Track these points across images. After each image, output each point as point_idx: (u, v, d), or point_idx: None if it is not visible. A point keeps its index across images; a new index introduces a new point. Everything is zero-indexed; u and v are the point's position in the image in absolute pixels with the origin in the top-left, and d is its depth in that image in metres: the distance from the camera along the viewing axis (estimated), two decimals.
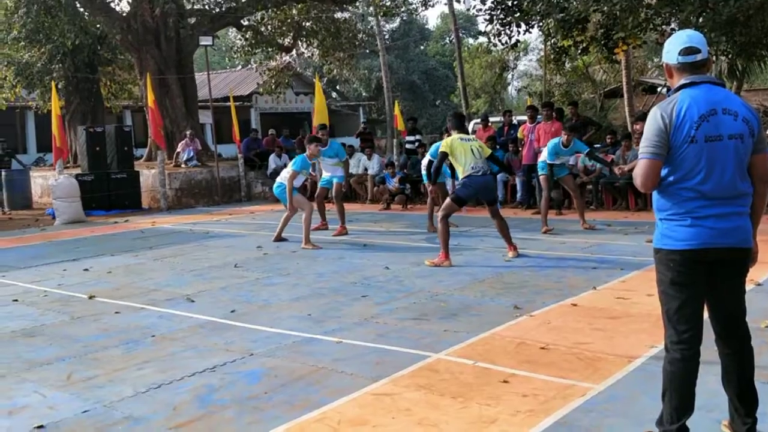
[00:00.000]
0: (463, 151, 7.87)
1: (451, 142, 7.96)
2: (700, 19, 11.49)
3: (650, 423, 3.20)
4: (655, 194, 3.08)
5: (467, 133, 8.32)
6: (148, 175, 16.55)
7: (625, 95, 17.89)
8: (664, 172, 2.99)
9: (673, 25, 12.72)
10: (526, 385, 4.01)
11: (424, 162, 10.48)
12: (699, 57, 3.00)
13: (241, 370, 4.50)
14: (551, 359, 4.45)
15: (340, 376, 4.31)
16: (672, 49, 3.05)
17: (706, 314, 3.06)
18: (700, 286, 3.00)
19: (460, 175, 7.91)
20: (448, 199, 8.02)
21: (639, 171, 3.00)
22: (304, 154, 9.66)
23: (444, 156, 8.00)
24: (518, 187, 13.12)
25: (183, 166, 17.40)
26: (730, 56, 14.26)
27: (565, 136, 9.61)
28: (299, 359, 4.66)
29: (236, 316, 5.88)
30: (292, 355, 4.75)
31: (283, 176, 9.64)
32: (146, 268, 8.43)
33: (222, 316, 5.89)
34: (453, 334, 5.06)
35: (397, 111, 17.90)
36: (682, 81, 3.01)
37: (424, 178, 10.72)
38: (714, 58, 15.77)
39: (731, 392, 3.10)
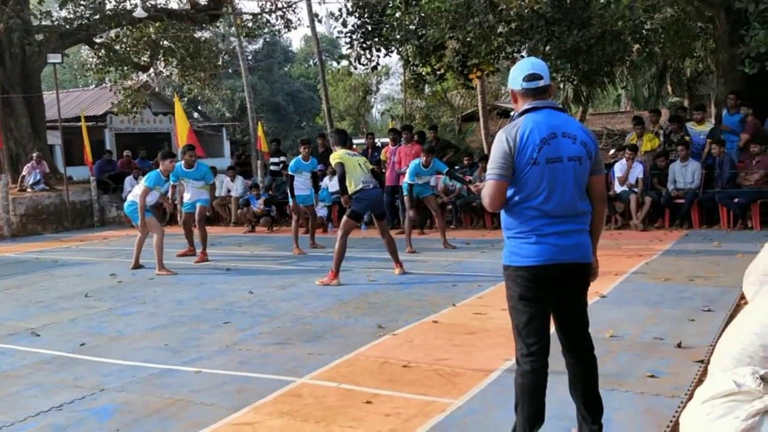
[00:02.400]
0: (352, 166, 7.93)
1: (341, 156, 7.97)
2: (548, 47, 12.23)
3: None
4: (502, 213, 3.21)
5: (351, 148, 8.40)
6: None
7: (481, 119, 18.75)
8: (509, 192, 3.12)
9: (523, 53, 13.46)
10: (389, 404, 4.04)
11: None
12: (541, 83, 3.17)
13: (90, 407, 4.23)
14: (413, 377, 4.51)
15: (198, 407, 4.15)
16: (517, 76, 3.20)
17: (552, 327, 3.21)
18: (546, 300, 3.15)
19: (351, 189, 7.92)
20: (345, 217, 7.98)
21: (486, 191, 3.13)
22: (158, 170, 9.31)
23: (343, 167, 7.88)
24: None
25: (29, 190, 16.28)
26: (574, 83, 15.29)
27: (425, 158, 9.97)
28: (154, 392, 4.44)
29: (86, 350, 5.54)
30: (146, 389, 4.53)
31: (135, 193, 9.22)
32: None
33: (70, 350, 5.53)
34: (317, 357, 5.02)
35: (260, 132, 17.68)
36: (526, 106, 3.17)
37: (290, 198, 10.68)
38: (561, 84, 16.85)
39: (578, 400, 3.27)
